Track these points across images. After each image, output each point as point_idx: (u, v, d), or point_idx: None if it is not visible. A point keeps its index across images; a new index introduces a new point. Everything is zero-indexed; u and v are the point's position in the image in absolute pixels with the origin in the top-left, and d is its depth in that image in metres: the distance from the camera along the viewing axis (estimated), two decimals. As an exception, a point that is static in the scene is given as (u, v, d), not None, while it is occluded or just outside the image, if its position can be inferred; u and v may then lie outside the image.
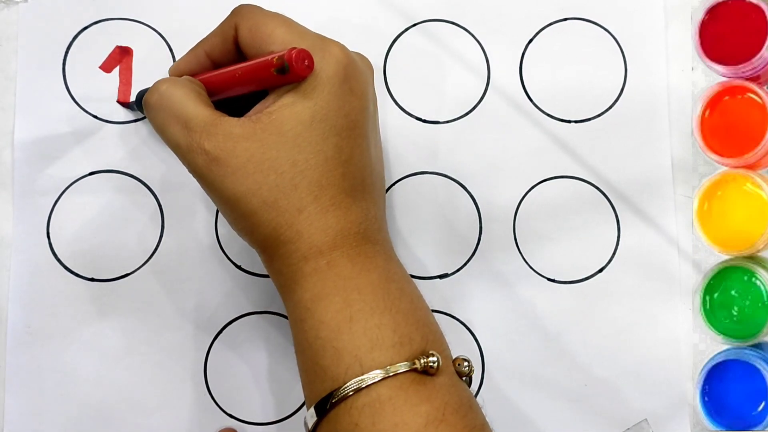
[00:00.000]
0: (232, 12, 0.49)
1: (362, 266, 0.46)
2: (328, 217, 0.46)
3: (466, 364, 0.45)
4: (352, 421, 0.42)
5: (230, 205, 0.46)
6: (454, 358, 0.46)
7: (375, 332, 0.43)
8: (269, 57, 0.45)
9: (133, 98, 0.58)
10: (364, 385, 0.42)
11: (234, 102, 0.49)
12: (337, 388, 0.42)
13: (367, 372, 0.42)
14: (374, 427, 0.41)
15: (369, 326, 0.43)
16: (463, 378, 0.46)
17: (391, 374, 0.42)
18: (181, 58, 0.52)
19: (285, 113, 0.45)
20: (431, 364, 0.43)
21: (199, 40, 0.51)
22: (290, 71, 0.44)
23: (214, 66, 0.51)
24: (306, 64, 0.44)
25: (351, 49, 0.48)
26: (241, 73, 0.47)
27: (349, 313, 0.44)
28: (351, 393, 0.42)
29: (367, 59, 0.51)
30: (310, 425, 0.44)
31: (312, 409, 0.44)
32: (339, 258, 0.45)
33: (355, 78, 0.47)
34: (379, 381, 0.42)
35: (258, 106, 0.47)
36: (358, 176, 0.47)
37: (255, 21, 0.47)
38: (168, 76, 0.52)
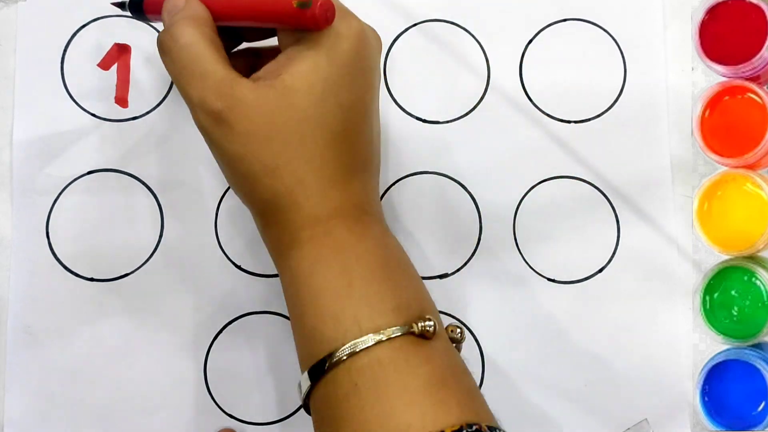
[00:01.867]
0: None
1: (360, 235, 0.46)
2: (328, 190, 0.46)
3: (458, 330, 0.47)
4: (352, 381, 0.42)
5: (231, 165, 0.46)
6: (446, 325, 0.47)
7: (374, 298, 0.44)
8: None
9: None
10: (363, 347, 0.42)
11: (232, 31, 0.48)
12: (336, 350, 0.43)
13: (366, 335, 0.42)
14: (374, 388, 0.42)
15: (368, 292, 0.44)
16: (455, 344, 0.47)
17: (390, 336, 0.42)
18: None
19: (298, 84, 0.45)
20: (428, 327, 0.43)
21: None
22: (311, 11, 0.42)
23: None
24: (327, 15, 0.43)
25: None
26: (259, 1, 0.45)
27: (347, 279, 0.44)
28: (349, 355, 0.42)
29: (376, 33, 0.49)
30: (304, 389, 0.44)
31: (306, 373, 0.44)
32: (337, 227, 0.46)
33: (368, 55, 0.47)
34: (378, 343, 0.42)
35: (269, 66, 0.46)
36: (360, 152, 0.48)
37: None
38: None
